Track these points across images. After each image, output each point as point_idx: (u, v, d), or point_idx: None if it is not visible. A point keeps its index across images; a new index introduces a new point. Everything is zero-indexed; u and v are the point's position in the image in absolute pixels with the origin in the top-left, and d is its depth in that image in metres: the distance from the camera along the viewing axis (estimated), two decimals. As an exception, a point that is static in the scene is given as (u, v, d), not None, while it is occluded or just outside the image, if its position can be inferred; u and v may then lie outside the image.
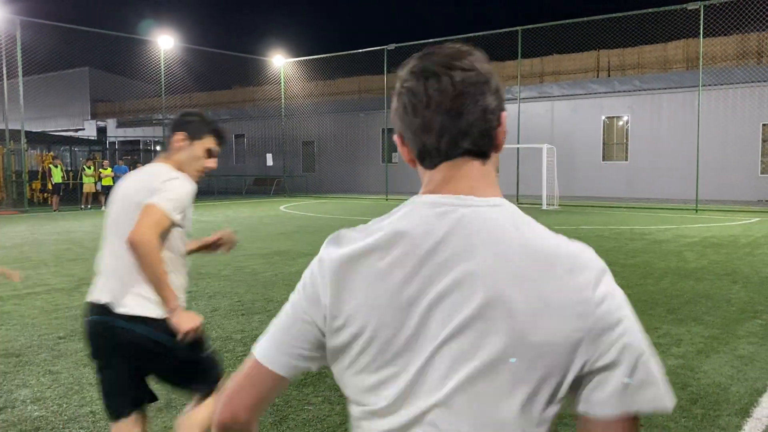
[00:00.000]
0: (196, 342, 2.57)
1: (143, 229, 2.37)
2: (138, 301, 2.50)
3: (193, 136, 2.67)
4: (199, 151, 2.68)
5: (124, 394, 2.61)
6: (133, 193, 2.56)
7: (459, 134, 1.01)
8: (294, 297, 1.11)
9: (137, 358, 2.57)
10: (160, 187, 2.48)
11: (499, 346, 0.92)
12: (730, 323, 6.11)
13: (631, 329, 0.94)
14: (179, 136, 2.66)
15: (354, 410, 1.08)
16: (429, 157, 1.04)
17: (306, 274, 1.10)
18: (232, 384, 1.10)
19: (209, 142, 2.71)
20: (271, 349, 1.08)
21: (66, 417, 3.93)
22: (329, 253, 1.07)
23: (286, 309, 1.11)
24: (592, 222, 16.81)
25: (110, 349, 2.57)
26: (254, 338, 4.93)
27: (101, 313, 2.57)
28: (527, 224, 0.99)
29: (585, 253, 0.97)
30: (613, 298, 0.94)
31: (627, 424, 0.92)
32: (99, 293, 2.63)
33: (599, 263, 0.97)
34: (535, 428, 0.94)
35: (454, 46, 1.04)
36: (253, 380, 1.08)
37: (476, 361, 0.93)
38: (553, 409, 0.95)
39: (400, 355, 0.97)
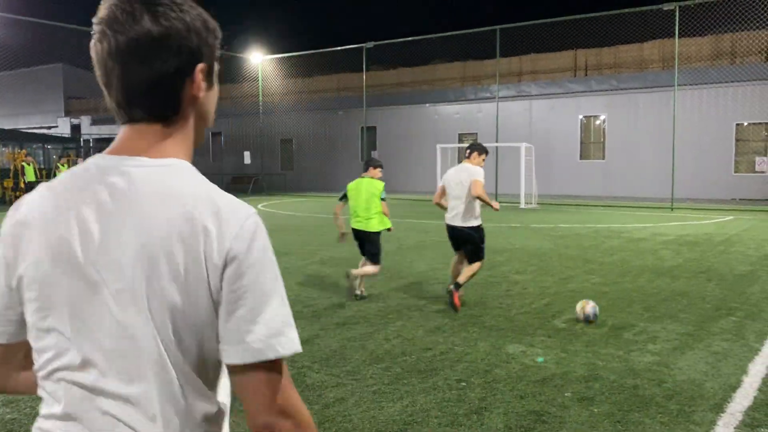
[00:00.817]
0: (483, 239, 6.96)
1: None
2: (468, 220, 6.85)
3: None
4: None
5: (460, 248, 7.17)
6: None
7: (129, 98, 1.06)
8: None
9: (466, 241, 6.94)
10: None
11: None
12: (705, 320, 6.19)
13: None
14: None
15: None
16: (117, 117, 1.12)
17: None
18: None
19: None
20: None
21: (38, 420, 3.86)
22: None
23: None
24: (569, 220, 16.95)
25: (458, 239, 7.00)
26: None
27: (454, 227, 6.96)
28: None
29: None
30: None
31: None
32: (451, 219, 6.99)
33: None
34: None
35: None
36: None
37: None
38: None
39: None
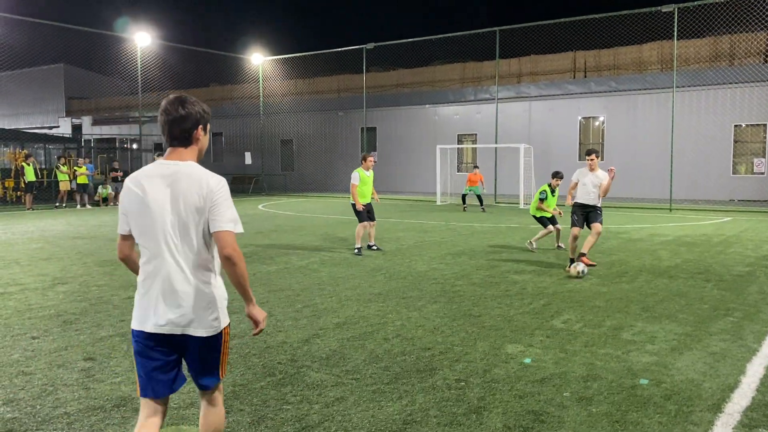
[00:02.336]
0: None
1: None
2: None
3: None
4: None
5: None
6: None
7: (172, 138, 2.76)
8: None
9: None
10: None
11: None
12: (703, 321, 6.22)
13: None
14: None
15: None
16: (165, 144, 2.81)
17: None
18: None
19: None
20: None
21: (39, 419, 3.88)
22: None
23: None
24: (567, 221, 16.95)
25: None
26: (230, 336, 4.87)
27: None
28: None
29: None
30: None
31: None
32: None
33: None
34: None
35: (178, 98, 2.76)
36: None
37: None
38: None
39: None
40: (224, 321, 2.77)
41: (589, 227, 9.65)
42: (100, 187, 25.68)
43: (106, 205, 24.85)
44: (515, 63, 31.43)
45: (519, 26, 25.16)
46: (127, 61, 28.66)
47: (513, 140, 26.52)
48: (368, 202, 11.23)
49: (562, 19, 24.10)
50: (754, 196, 24.04)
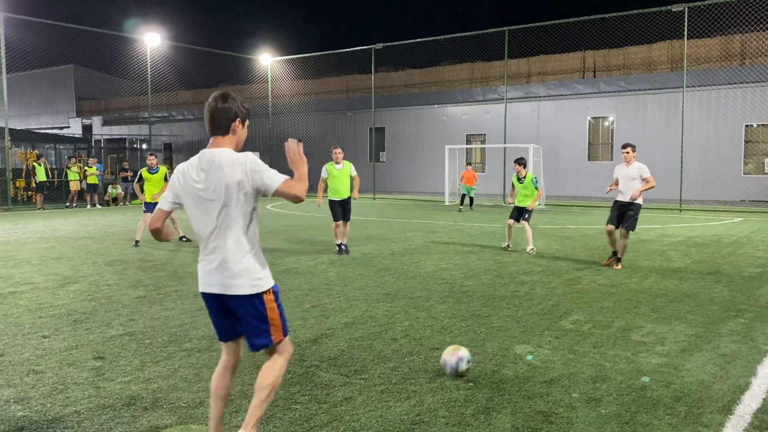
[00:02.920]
0: None
1: None
2: None
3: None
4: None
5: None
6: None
7: (214, 127, 3.15)
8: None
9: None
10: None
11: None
12: (713, 322, 6.18)
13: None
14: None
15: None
16: (209, 134, 3.20)
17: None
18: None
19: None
20: None
21: (50, 417, 3.90)
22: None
23: None
24: (577, 221, 16.93)
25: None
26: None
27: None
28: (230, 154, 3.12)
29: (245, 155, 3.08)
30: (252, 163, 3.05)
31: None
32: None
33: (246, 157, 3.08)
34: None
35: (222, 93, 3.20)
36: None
37: None
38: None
39: None
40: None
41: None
42: (109, 186, 25.82)
43: (116, 205, 24.98)
44: (524, 63, 31.36)
45: (528, 26, 25.10)
46: (137, 62, 28.80)
47: (522, 140, 26.45)
48: (342, 198, 10.82)
49: (571, 19, 24.02)
50: (765, 197, 23.86)
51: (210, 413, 3.33)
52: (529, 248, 10.86)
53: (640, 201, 9.49)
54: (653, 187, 9.54)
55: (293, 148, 3.10)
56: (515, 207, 11.22)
